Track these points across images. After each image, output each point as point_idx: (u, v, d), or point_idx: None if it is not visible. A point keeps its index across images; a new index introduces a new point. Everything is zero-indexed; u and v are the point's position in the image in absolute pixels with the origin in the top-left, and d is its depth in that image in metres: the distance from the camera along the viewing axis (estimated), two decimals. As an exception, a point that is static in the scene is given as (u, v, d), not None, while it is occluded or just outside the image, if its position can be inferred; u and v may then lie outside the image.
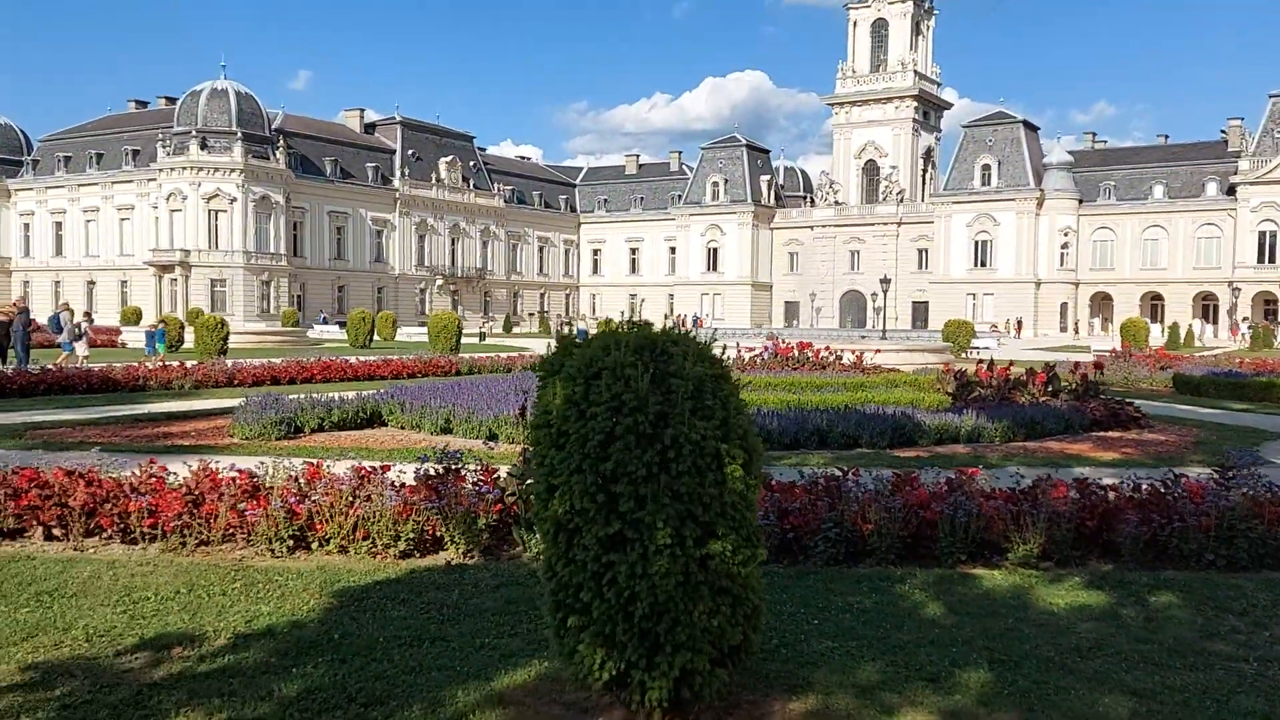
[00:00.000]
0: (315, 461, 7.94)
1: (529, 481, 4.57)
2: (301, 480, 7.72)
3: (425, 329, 71.92)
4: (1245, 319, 70.13)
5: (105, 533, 7.47)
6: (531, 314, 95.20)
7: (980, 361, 19.85)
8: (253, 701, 4.50)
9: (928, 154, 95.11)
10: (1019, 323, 77.87)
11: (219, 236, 73.58)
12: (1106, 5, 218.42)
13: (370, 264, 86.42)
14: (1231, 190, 74.88)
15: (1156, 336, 71.03)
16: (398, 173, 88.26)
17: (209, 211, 73.02)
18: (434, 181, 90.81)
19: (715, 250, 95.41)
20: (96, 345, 36.12)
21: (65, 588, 6.15)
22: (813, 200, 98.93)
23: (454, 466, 7.84)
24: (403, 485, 7.55)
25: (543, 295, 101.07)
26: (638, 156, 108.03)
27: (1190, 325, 62.20)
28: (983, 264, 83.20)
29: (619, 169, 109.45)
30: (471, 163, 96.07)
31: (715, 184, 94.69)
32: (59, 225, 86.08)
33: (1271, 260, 73.03)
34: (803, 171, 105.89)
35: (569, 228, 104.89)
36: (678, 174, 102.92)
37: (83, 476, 7.77)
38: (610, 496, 4.13)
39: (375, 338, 45.20)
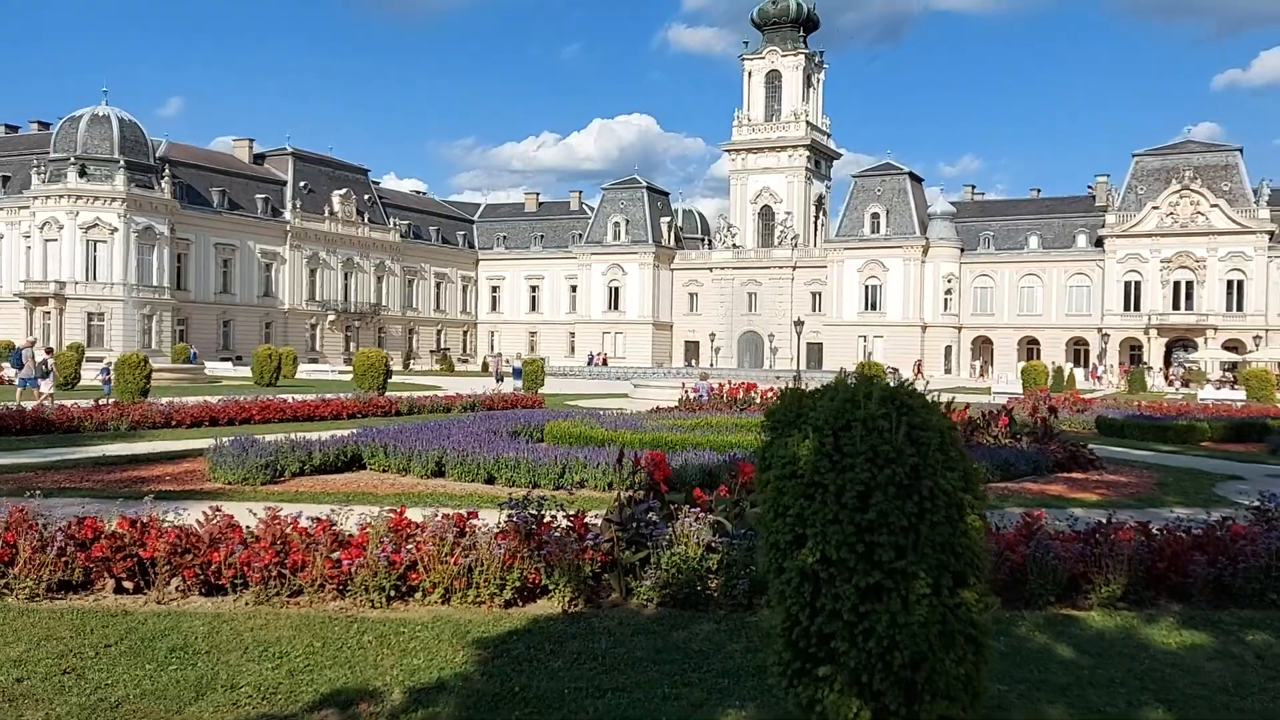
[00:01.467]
0: (398, 509, 7.78)
1: (764, 532, 4.64)
2: (384, 527, 7.57)
3: (325, 366, 70.51)
4: (1123, 364, 74.19)
5: (184, 583, 7.16)
6: (432, 351, 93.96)
7: (1029, 395, 20.53)
8: (484, 759, 4.43)
9: (819, 201, 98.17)
10: (918, 365, 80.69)
11: (97, 268, 70.34)
12: (972, 66, 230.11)
13: (258, 298, 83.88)
14: (1099, 242, 79.58)
15: (1001, 377, 74.64)
16: (289, 205, 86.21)
17: (87, 242, 69.78)
18: (327, 214, 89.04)
19: (617, 289, 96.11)
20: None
21: (193, 643, 5.89)
22: (710, 242, 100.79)
23: (538, 513, 7.83)
24: (493, 532, 7.49)
25: (439, 332, 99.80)
26: (538, 195, 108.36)
27: (1070, 369, 65.40)
28: (873, 308, 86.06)
29: (518, 206, 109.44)
30: (366, 196, 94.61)
31: (617, 224, 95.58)
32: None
33: (1136, 308, 77.69)
34: (700, 214, 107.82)
35: (467, 264, 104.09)
36: (578, 213, 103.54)
37: (147, 526, 7.45)
38: (869, 546, 4.26)
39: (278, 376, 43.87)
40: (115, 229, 69.60)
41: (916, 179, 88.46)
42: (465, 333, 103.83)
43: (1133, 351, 78.78)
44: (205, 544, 7.21)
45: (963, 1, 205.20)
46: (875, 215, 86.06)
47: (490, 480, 13.69)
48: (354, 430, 16.96)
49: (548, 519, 7.84)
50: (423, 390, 38.63)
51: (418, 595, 7.09)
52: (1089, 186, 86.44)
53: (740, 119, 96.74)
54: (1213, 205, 73.96)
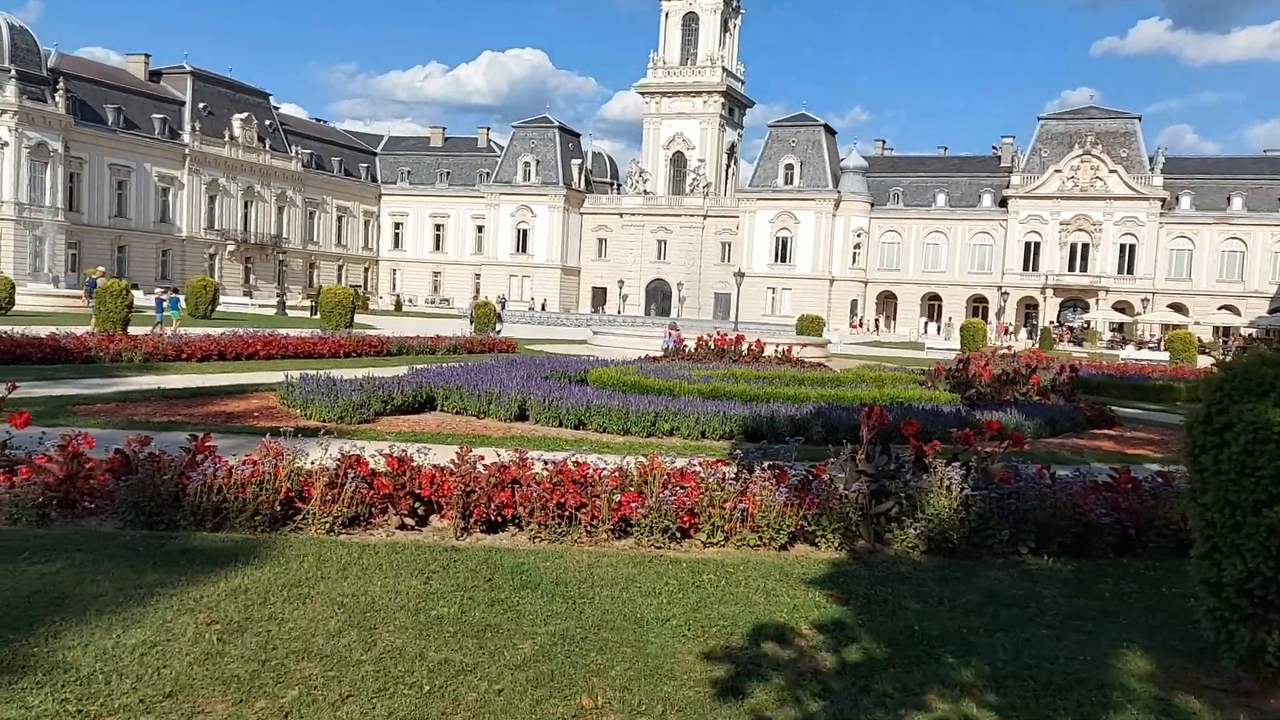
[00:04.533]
0: (649, 455, 7.93)
1: (1214, 490, 5.04)
2: (635, 472, 7.74)
3: (242, 299, 68.04)
4: (1000, 324, 77.72)
5: (465, 521, 7.18)
6: (354, 288, 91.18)
7: (991, 355, 21.35)
8: (976, 692, 4.76)
9: (732, 150, 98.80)
10: (873, 320, 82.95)
11: (-13, 184, 65.86)
12: (861, 20, 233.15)
13: (155, 224, 79.97)
14: (1003, 202, 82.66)
15: (933, 334, 77.74)
16: (188, 126, 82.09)
17: (-26, 156, 65.19)
18: (227, 139, 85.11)
19: (525, 232, 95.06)
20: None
21: (568, 579, 6.04)
22: (619, 187, 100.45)
23: (777, 462, 8.10)
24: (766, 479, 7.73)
25: (340, 267, 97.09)
26: (443, 130, 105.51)
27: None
28: (783, 260, 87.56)
29: (423, 140, 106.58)
30: (268, 122, 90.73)
31: (527, 164, 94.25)
32: None
33: (1035, 268, 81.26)
34: (609, 157, 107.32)
35: (369, 198, 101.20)
36: (485, 150, 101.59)
37: (410, 464, 7.44)
38: (1345, 505, 4.73)
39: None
40: (5, 143, 65.14)
41: (830, 131, 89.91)
42: (367, 269, 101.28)
43: (1028, 310, 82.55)
44: (486, 484, 7.24)
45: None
46: (789, 166, 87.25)
47: (580, 426, 13.81)
48: (404, 370, 16.74)
49: (785, 468, 8.13)
50: (357, 329, 37.66)
51: (698, 537, 7.30)
52: (994, 147, 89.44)
53: (655, 61, 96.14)
54: (1111, 171, 77.63)
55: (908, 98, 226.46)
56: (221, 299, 59.31)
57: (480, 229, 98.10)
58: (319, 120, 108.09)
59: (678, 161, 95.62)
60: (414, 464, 7.52)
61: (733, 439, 13.36)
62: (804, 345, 28.49)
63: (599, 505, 7.24)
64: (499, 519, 7.24)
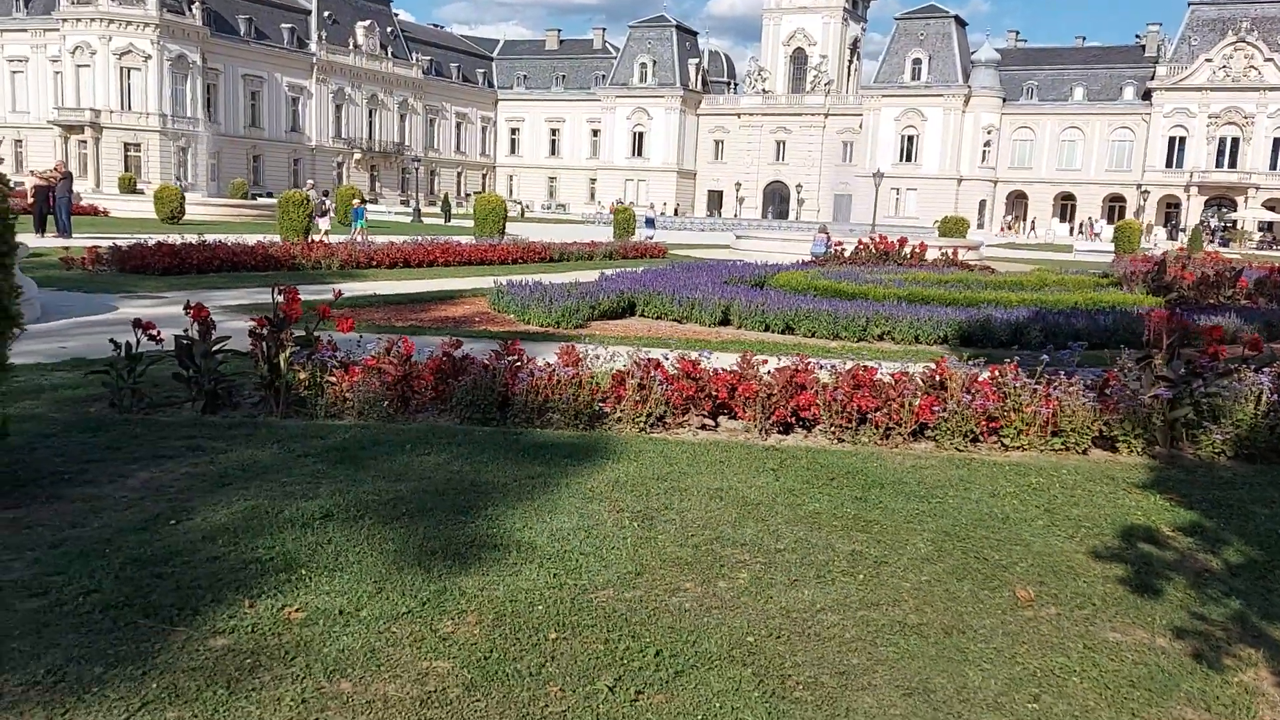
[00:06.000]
0: (937, 361, 7.97)
1: None
2: (919, 377, 7.80)
3: (373, 207, 69.58)
4: (1149, 225, 74.21)
5: (764, 421, 7.37)
6: (468, 195, 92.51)
7: (1166, 256, 20.67)
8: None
9: (855, 45, 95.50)
10: (1030, 221, 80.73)
11: (132, 97, 68.24)
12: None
13: (286, 133, 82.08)
14: (1147, 95, 78.28)
15: (1067, 235, 74.92)
16: (314, 35, 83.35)
17: (120, 69, 67.47)
18: (351, 47, 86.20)
19: (641, 135, 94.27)
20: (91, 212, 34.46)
21: (908, 480, 6.19)
22: (736, 86, 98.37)
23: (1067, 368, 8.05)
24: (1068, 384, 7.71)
25: (460, 174, 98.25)
26: (559, 32, 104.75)
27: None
28: (908, 159, 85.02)
29: (539, 44, 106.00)
30: (389, 29, 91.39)
31: (643, 65, 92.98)
32: (-70, 76, 77.92)
33: (1179, 165, 77.17)
34: (726, 56, 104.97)
35: (486, 104, 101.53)
36: (601, 52, 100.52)
37: (699, 367, 7.65)
38: None
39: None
40: (149, 56, 67.26)
41: (961, 23, 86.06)
42: (484, 175, 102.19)
43: (1169, 210, 78.71)
44: (782, 388, 7.41)
45: None
46: (917, 61, 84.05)
47: (787, 330, 13.89)
48: (588, 275, 17.05)
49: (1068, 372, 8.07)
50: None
51: (996, 440, 7.35)
52: (1137, 36, 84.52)
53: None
54: (1267, 59, 72.63)
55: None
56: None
57: (595, 133, 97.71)
58: (436, 26, 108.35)
59: (798, 59, 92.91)
60: (702, 367, 7.74)
61: (946, 343, 13.28)
62: (968, 249, 27.87)
63: (896, 409, 7.34)
64: (792, 421, 7.42)
